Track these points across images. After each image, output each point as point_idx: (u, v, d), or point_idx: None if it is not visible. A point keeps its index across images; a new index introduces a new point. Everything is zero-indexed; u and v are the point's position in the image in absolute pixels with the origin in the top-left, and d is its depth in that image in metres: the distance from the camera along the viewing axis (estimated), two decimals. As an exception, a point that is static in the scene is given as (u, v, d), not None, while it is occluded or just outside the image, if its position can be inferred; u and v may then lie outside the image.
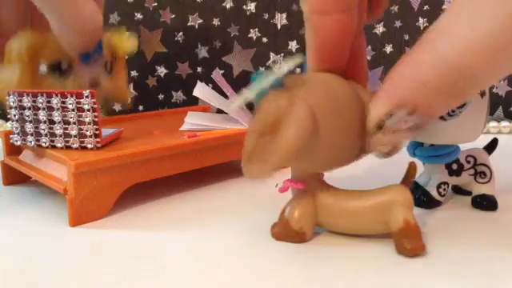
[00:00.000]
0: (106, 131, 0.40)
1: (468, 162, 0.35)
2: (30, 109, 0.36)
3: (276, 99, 0.27)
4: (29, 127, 0.37)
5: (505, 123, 0.65)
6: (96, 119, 0.35)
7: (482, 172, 0.35)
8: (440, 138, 0.33)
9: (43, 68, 0.42)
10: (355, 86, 0.28)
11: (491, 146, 0.37)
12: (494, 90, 0.66)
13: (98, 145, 0.36)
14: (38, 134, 0.37)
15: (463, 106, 0.31)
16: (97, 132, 0.36)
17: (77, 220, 0.33)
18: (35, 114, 0.36)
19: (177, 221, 0.34)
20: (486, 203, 0.35)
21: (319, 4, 0.25)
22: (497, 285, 0.25)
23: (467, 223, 0.33)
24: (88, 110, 0.35)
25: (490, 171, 0.35)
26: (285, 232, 0.30)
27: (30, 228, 0.33)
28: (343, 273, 0.26)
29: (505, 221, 0.33)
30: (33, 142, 0.37)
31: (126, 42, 0.46)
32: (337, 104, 0.27)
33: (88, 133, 0.36)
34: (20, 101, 0.37)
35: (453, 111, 0.31)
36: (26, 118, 0.37)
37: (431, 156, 0.35)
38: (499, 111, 0.66)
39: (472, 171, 0.35)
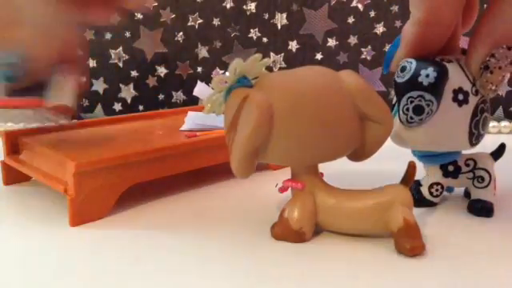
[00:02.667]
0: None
1: (467, 166, 0.35)
2: None
3: (236, 95, 0.28)
4: None
5: (505, 123, 0.65)
6: None
7: (479, 176, 0.34)
8: (409, 143, 0.33)
9: None
10: (341, 77, 0.29)
11: (498, 152, 0.36)
12: (494, 90, 0.66)
13: None
14: None
15: (422, 113, 0.31)
16: None
17: (77, 220, 0.33)
18: None
19: (177, 221, 0.34)
20: (479, 208, 0.34)
21: (433, 18, 0.31)
22: (496, 285, 0.25)
23: (468, 224, 0.33)
24: None
25: (490, 177, 0.34)
26: (285, 232, 0.30)
27: (30, 228, 0.33)
28: (343, 273, 0.26)
29: (505, 221, 0.33)
30: None
31: None
32: (300, 97, 0.27)
33: None
34: None
35: (411, 118, 0.31)
36: None
37: (426, 156, 0.35)
38: (499, 111, 0.66)
39: (470, 175, 0.35)
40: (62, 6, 0.33)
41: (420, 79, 0.30)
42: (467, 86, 0.32)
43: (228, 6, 0.66)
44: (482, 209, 0.34)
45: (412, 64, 0.31)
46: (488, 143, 0.36)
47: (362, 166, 0.33)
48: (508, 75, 0.31)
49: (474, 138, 0.33)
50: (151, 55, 0.67)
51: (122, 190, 0.35)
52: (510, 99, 0.66)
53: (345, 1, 0.65)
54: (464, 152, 0.35)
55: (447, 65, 0.31)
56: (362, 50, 0.67)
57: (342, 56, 0.67)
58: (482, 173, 0.34)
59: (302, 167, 0.30)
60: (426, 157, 0.35)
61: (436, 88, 0.30)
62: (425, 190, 0.35)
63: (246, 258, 0.28)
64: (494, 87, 0.31)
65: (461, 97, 0.31)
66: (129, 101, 0.68)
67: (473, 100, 0.32)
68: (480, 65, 0.31)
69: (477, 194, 0.35)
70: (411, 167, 0.29)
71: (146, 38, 0.66)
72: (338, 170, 0.33)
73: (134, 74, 0.67)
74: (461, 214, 0.35)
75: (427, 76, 0.30)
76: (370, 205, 0.29)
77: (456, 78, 0.32)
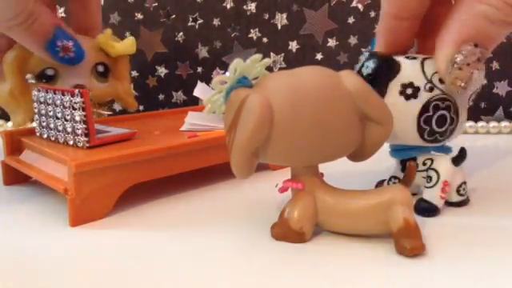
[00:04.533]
0: (116, 130, 0.41)
1: (424, 165, 0.35)
2: (43, 103, 0.39)
3: (236, 95, 0.28)
4: (43, 120, 0.40)
5: (505, 123, 0.65)
6: (85, 118, 0.36)
7: (428, 176, 0.35)
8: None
9: (31, 77, 0.43)
10: (341, 77, 0.29)
11: (459, 157, 0.35)
12: (494, 91, 0.66)
13: (87, 144, 0.37)
14: (48, 128, 0.39)
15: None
16: (86, 131, 0.36)
17: (77, 220, 0.33)
18: (45, 109, 0.39)
19: (177, 221, 0.34)
20: (419, 208, 0.34)
21: (401, 12, 0.33)
22: (497, 285, 0.25)
23: (468, 224, 0.33)
24: (77, 109, 0.36)
25: (438, 178, 0.34)
26: (285, 232, 0.30)
27: (30, 228, 0.33)
28: (343, 273, 0.26)
29: (505, 220, 0.33)
30: (45, 135, 0.40)
31: (117, 44, 0.46)
32: (300, 97, 0.27)
33: (78, 131, 0.37)
34: (40, 96, 0.40)
35: None
36: (42, 111, 0.40)
37: (394, 150, 0.36)
38: (499, 111, 0.66)
39: (424, 174, 0.35)
40: None
41: (362, 70, 0.33)
42: (420, 82, 0.32)
43: (228, 6, 0.66)
44: (420, 209, 0.34)
45: (364, 56, 0.34)
46: (489, 143, 0.36)
47: (362, 166, 0.33)
48: (476, 72, 0.30)
49: (426, 133, 0.33)
50: (151, 55, 0.67)
51: (122, 190, 0.35)
52: (510, 99, 0.66)
53: (345, 1, 0.65)
54: (433, 152, 0.35)
55: (407, 61, 0.33)
56: (362, 49, 0.66)
57: (341, 56, 0.67)
58: (432, 173, 0.34)
59: (301, 167, 0.30)
60: (394, 151, 0.36)
61: (375, 80, 0.32)
62: (385, 183, 0.37)
63: (246, 258, 0.28)
64: (463, 84, 0.31)
65: (409, 91, 0.32)
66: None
67: (424, 96, 0.32)
68: (449, 62, 0.31)
69: (424, 193, 0.35)
70: (411, 167, 0.29)
71: (145, 38, 0.66)
72: (338, 170, 0.33)
73: (133, 73, 0.67)
74: (461, 214, 0.35)
75: (367, 67, 0.33)
76: (370, 205, 0.29)
77: (409, 73, 0.33)
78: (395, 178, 0.37)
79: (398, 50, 0.34)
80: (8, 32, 0.39)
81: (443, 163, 0.35)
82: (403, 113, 0.32)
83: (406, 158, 0.35)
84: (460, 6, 0.31)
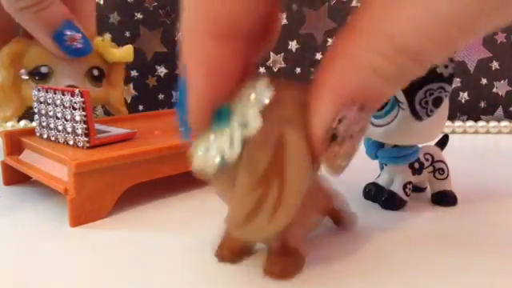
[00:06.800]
0: (116, 130, 0.41)
1: (427, 160, 0.36)
2: (43, 103, 0.39)
3: (261, 136, 0.21)
4: (43, 120, 0.40)
5: (505, 123, 0.65)
6: (85, 118, 0.36)
7: (440, 169, 0.36)
8: (412, 139, 0.33)
9: (24, 73, 0.43)
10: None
11: (443, 143, 0.38)
12: (494, 90, 0.66)
13: (87, 144, 0.37)
14: (48, 128, 0.39)
15: (440, 105, 0.31)
16: (86, 131, 0.36)
17: (77, 220, 0.33)
18: (45, 109, 0.39)
19: (177, 221, 0.34)
20: (447, 199, 0.36)
21: (218, 29, 0.21)
22: (498, 284, 0.25)
23: (468, 224, 0.33)
24: (78, 109, 0.36)
25: (447, 167, 0.36)
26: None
27: (30, 228, 0.33)
28: (342, 272, 0.26)
29: (501, 220, 0.33)
30: (45, 135, 0.40)
31: (115, 50, 0.46)
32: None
33: (79, 131, 0.37)
34: (40, 96, 0.39)
35: (431, 110, 0.31)
36: (42, 111, 0.40)
37: (395, 157, 0.34)
38: (499, 111, 0.66)
39: (431, 168, 0.36)
40: None
41: (439, 70, 0.30)
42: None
43: (228, 6, 0.66)
44: (449, 199, 0.35)
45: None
46: (489, 143, 0.36)
47: (362, 165, 0.33)
48: (358, 144, 0.22)
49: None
50: (151, 55, 0.67)
51: (122, 190, 0.35)
52: (510, 99, 0.66)
53: (345, 1, 0.65)
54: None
55: None
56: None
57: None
58: (441, 165, 0.36)
59: None
60: (396, 158, 0.34)
61: (453, 78, 0.31)
62: (400, 192, 0.35)
63: (247, 258, 0.28)
64: (343, 163, 0.22)
65: None
66: (129, 101, 0.68)
67: None
68: (325, 133, 0.21)
69: (439, 185, 0.36)
70: None
71: (146, 38, 0.66)
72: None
73: (133, 73, 0.67)
74: (460, 214, 0.35)
75: (446, 67, 0.30)
76: None
77: None
78: (410, 183, 0.35)
79: (225, 88, 0.22)
80: (18, 15, 0.38)
81: (441, 153, 0.36)
82: (445, 109, 0.33)
83: (414, 159, 0.35)
84: (341, 50, 0.21)
